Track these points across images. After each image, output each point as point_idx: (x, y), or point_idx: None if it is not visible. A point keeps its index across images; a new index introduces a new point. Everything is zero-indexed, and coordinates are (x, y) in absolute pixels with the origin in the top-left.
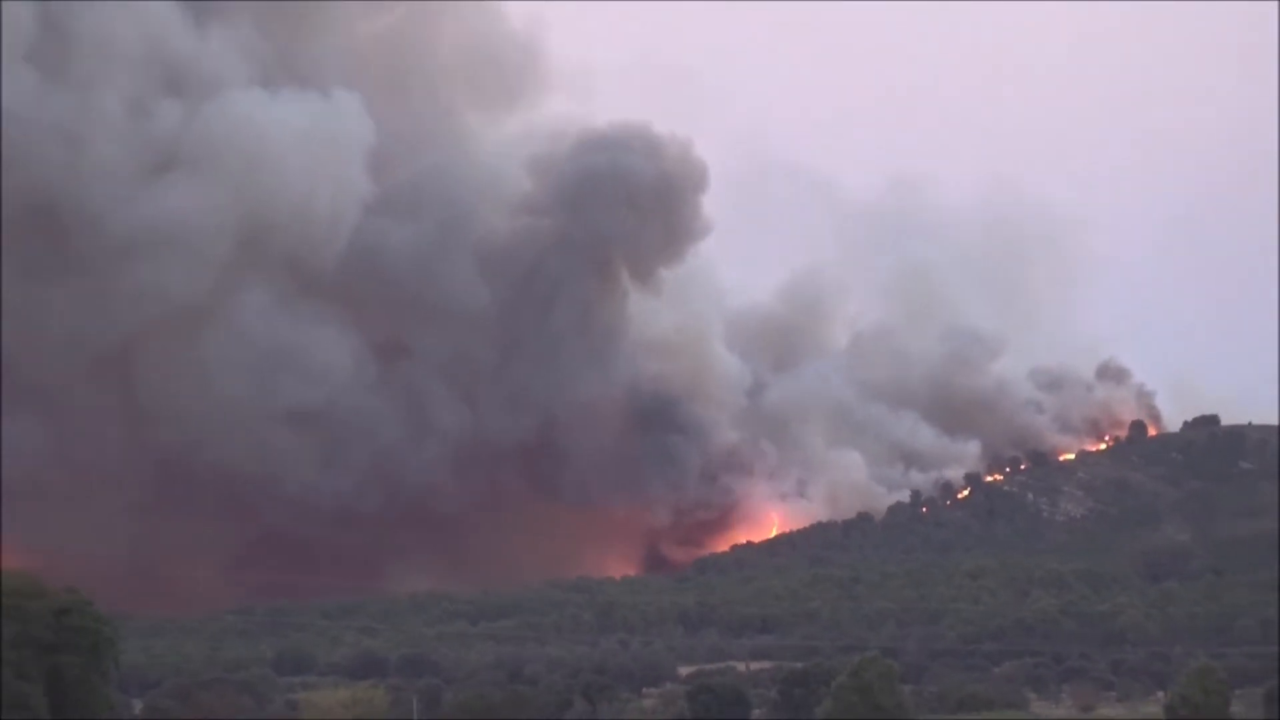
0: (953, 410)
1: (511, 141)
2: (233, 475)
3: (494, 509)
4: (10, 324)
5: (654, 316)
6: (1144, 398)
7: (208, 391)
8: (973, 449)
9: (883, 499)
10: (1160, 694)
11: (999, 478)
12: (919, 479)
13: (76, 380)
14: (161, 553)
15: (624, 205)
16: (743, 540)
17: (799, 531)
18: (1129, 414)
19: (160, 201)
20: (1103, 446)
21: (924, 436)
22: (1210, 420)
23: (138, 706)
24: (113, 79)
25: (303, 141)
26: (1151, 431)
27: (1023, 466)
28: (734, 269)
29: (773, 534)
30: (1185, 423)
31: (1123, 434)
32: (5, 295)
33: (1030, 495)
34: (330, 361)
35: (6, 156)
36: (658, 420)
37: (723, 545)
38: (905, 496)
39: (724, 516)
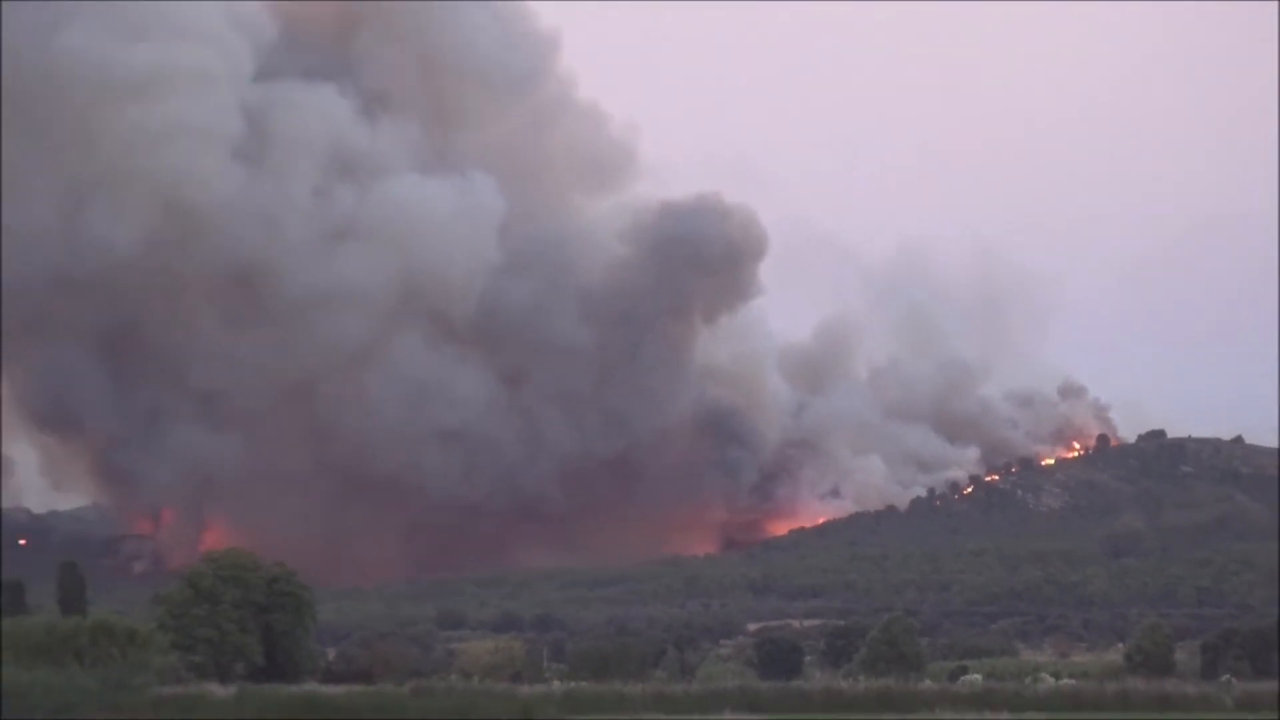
0: (951, 424)
1: (608, 214)
2: (394, 481)
3: (594, 507)
4: (218, 364)
5: (718, 350)
6: (1099, 410)
7: (373, 416)
8: (972, 454)
9: (900, 495)
10: (1120, 644)
11: (995, 478)
12: (931, 479)
13: (272, 407)
14: (345, 537)
15: (697, 264)
16: (797, 527)
17: (840, 520)
18: (1087, 425)
19: (335, 267)
20: (1075, 454)
21: (931, 445)
22: (1158, 434)
23: (331, 654)
24: (300, 167)
25: (448, 216)
26: (1113, 443)
27: (1013, 470)
28: (779, 313)
29: (820, 522)
30: (1139, 436)
31: (1090, 443)
32: (214, 341)
33: (1019, 492)
34: (467, 392)
35: (216, 233)
36: (721, 433)
37: (781, 530)
38: (922, 493)
39: (776, 510)
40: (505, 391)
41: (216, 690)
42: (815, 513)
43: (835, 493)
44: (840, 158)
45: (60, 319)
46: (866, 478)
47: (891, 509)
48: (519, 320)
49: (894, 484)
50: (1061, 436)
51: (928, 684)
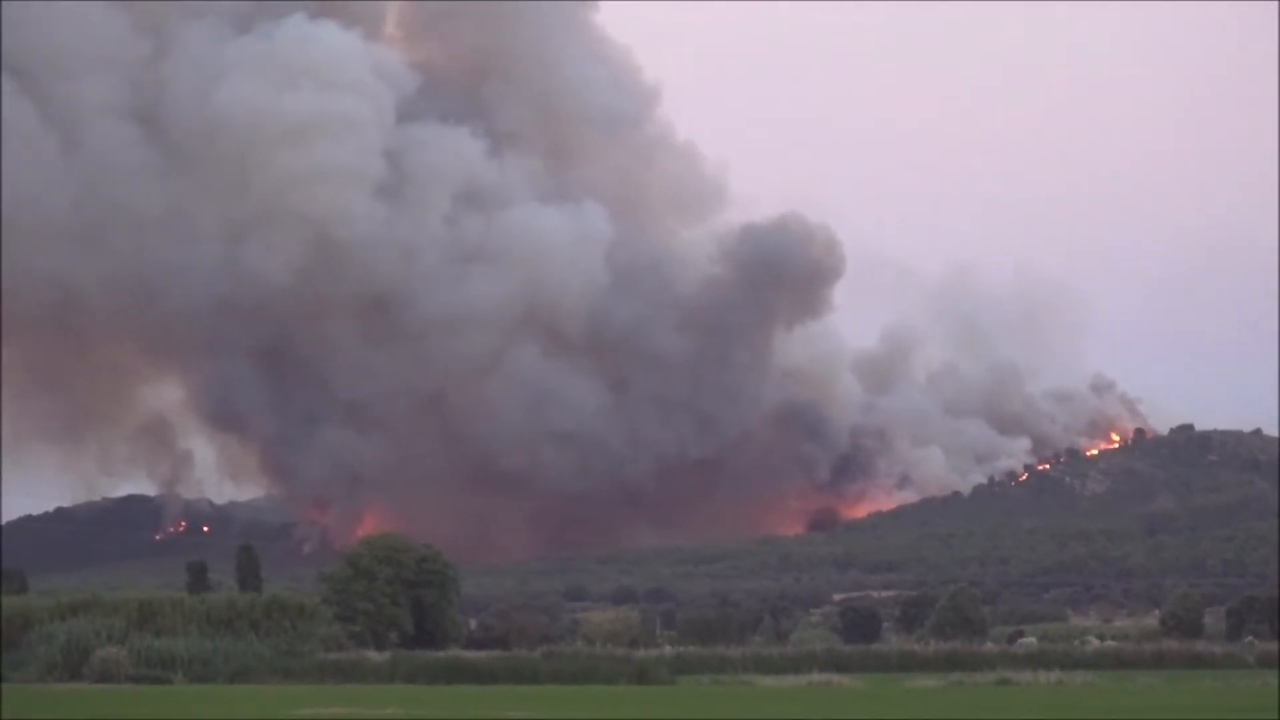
0: (1000, 418)
1: (701, 238)
2: (517, 476)
3: (690, 496)
4: (359, 376)
5: (796, 354)
6: (1129, 405)
7: (496, 421)
8: (1020, 444)
9: (962, 483)
10: (1156, 611)
11: (1046, 467)
12: (985, 468)
13: (408, 414)
14: (482, 522)
15: (780, 280)
16: (874, 510)
17: (912, 504)
18: (1120, 418)
19: (463, 291)
20: (1116, 446)
21: (985, 437)
22: (1188, 427)
23: (473, 623)
24: (434, 200)
25: (564, 241)
26: (1149, 435)
27: (1062, 460)
28: (848, 322)
29: (894, 507)
30: (1171, 429)
31: (1129, 436)
32: (355, 356)
33: (1068, 478)
34: (579, 398)
35: (358, 263)
36: (800, 428)
37: (859, 514)
38: (983, 480)
39: (851, 496)
40: (612, 397)
41: (373, 656)
42: (886, 498)
43: (902, 481)
44: (895, 184)
45: (225, 337)
46: (928, 467)
47: (957, 494)
48: (623, 334)
49: (952, 472)
50: (1097, 429)
51: (989, 646)
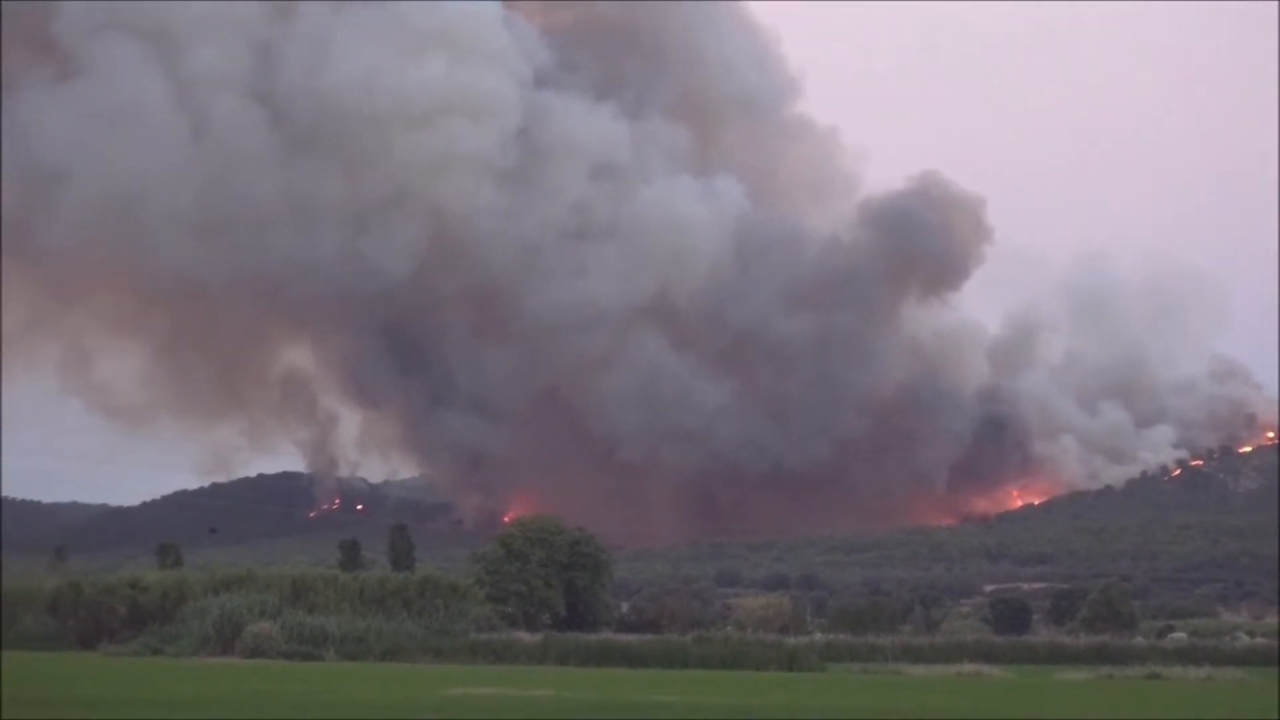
0: (1134, 408)
1: (836, 216)
2: (637, 467)
3: (816, 488)
4: (476, 368)
5: (924, 326)
6: (1260, 389)
7: (617, 414)
8: (1161, 434)
9: (1096, 476)
10: None
11: (1199, 462)
12: (1119, 460)
13: (529, 405)
14: (632, 507)
15: (916, 255)
16: (1027, 502)
17: (1063, 496)
18: (1263, 411)
19: (583, 283)
20: (1270, 442)
21: (1120, 428)
22: None
23: (624, 607)
24: (562, 180)
25: (697, 216)
26: None
27: (1215, 455)
28: (978, 307)
29: (1046, 499)
30: None
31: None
32: (471, 348)
33: (1220, 474)
34: (701, 393)
35: (474, 258)
36: (931, 412)
37: (1015, 504)
38: (1135, 474)
39: (985, 485)
40: (733, 388)
41: (525, 637)
42: (1017, 491)
43: (1035, 470)
44: (1024, 170)
45: (350, 320)
46: (1060, 456)
47: (1109, 489)
48: (748, 320)
49: (1085, 464)
50: (1240, 424)
51: (1139, 640)
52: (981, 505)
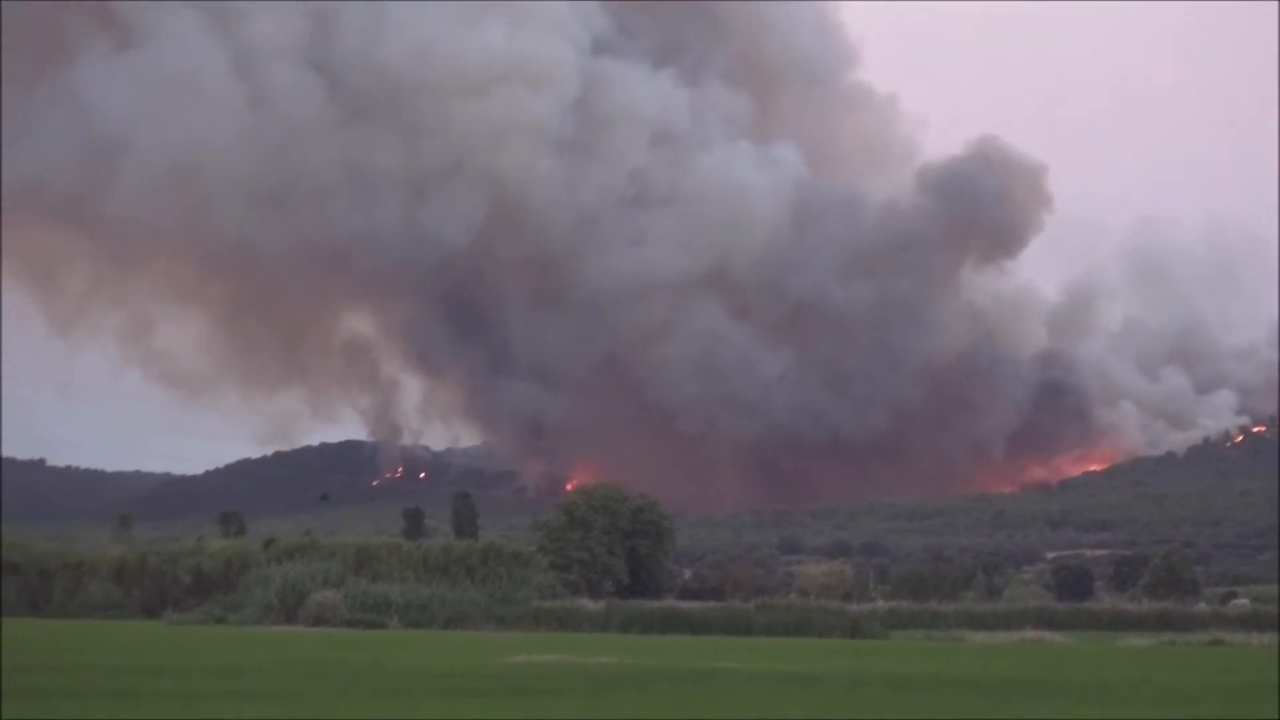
0: (1196, 374)
1: (895, 183)
2: (697, 435)
3: (875, 456)
4: (534, 336)
5: (982, 293)
6: None
7: (672, 381)
8: (1223, 399)
9: (1157, 441)
10: None
11: (1261, 429)
12: (1179, 425)
13: (587, 373)
14: (697, 474)
15: (976, 218)
16: (1089, 469)
17: (1124, 464)
18: None
19: (641, 253)
20: None
21: (1181, 392)
22: None
23: (687, 574)
24: (622, 146)
25: (756, 182)
26: None
27: (1277, 422)
28: (1037, 272)
29: (1107, 465)
30: None
31: None
32: (529, 317)
33: None
34: (760, 362)
35: (533, 227)
36: (989, 378)
37: (1076, 471)
38: (1196, 440)
39: (1046, 451)
40: (791, 357)
41: (588, 604)
42: (1074, 458)
43: (1094, 437)
44: (1084, 136)
45: (410, 288)
46: (1121, 422)
47: (1171, 455)
48: (805, 287)
49: (1142, 430)
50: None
51: (1202, 606)
52: (1039, 473)
